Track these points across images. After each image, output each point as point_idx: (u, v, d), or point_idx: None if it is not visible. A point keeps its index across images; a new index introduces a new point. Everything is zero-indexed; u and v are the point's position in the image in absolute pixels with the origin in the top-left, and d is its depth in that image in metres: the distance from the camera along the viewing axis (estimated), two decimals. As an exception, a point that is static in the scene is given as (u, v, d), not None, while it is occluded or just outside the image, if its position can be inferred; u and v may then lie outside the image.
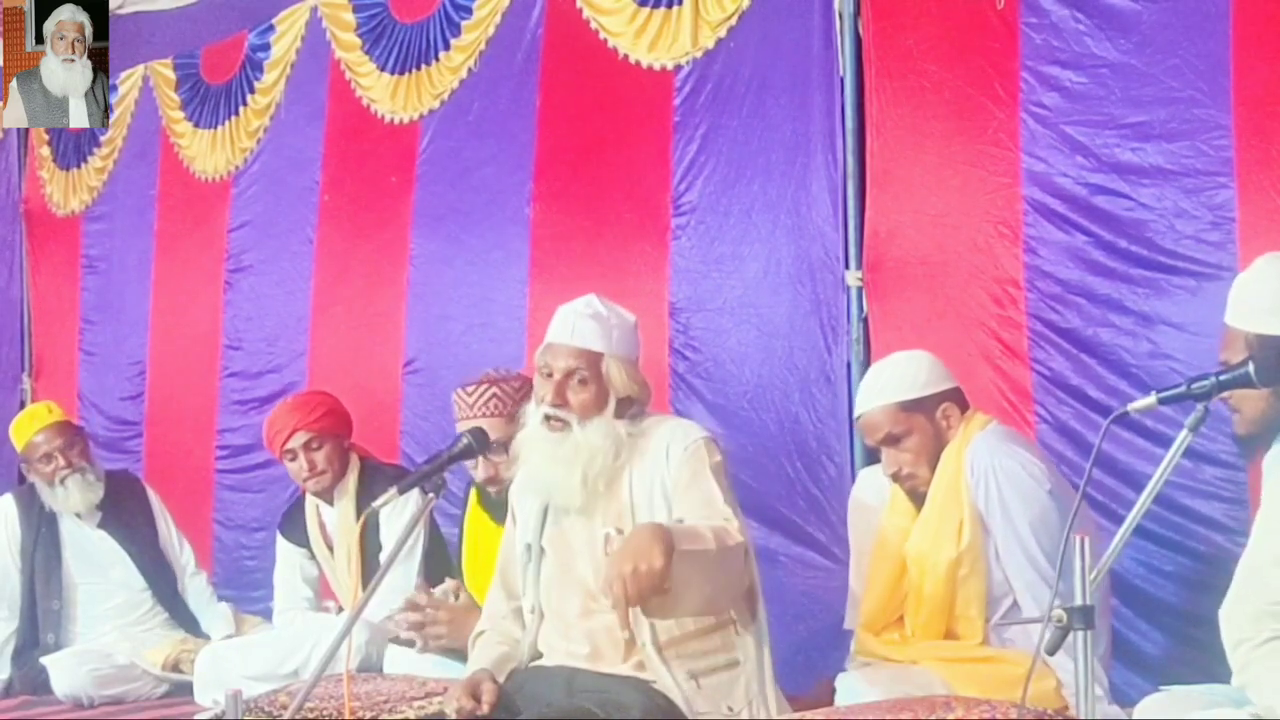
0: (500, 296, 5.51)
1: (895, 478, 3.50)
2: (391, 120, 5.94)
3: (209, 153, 6.70)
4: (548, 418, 3.24)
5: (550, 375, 3.25)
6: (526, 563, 3.34)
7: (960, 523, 3.38)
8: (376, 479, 4.52)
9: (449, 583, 3.91)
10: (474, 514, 4.11)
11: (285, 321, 6.41)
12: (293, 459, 4.59)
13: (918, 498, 3.49)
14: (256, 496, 6.41)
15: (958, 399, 3.52)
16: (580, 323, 3.29)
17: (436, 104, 5.79)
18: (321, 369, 6.21)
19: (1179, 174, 3.86)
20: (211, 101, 6.67)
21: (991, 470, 3.36)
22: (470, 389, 3.90)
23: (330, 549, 4.68)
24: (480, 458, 3.77)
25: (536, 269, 5.40)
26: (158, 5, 6.78)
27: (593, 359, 3.25)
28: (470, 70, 5.66)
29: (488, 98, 5.64)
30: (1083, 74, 4.06)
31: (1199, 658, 3.65)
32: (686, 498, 3.17)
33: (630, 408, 3.29)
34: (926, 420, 3.46)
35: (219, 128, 6.65)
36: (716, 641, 3.16)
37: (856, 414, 3.61)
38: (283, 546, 4.82)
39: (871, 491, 3.65)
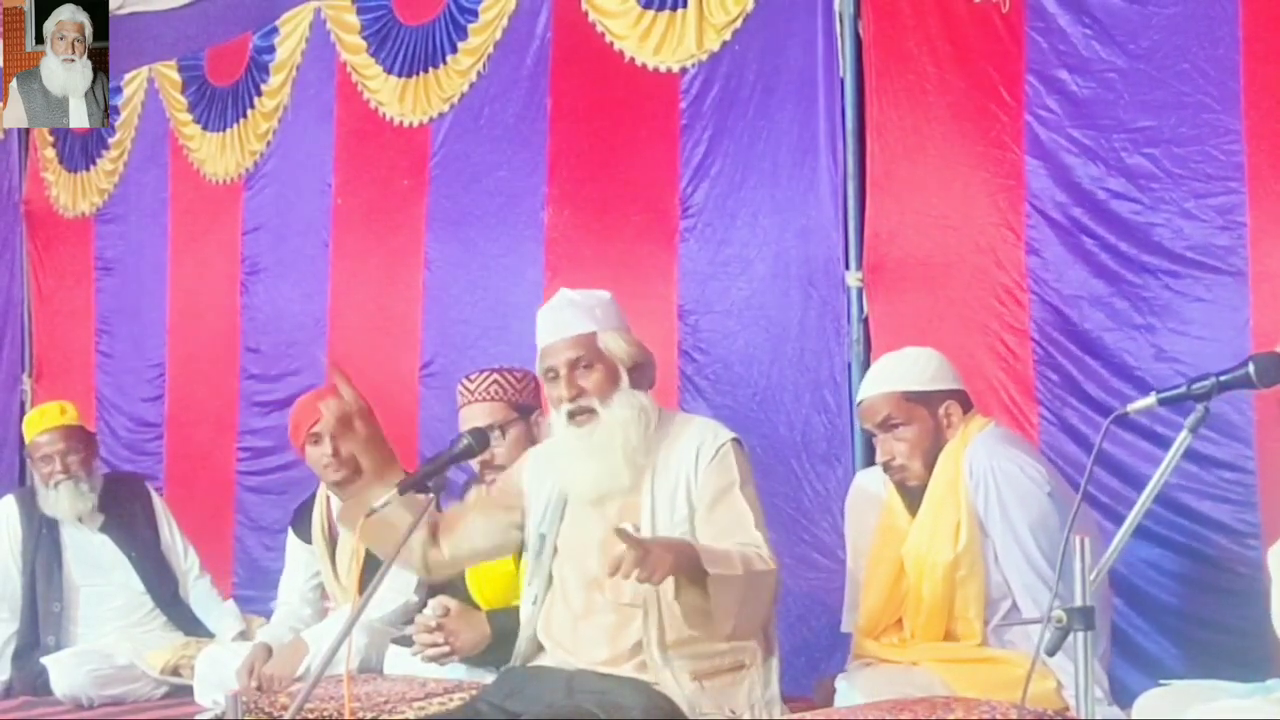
0: (516, 300, 5.48)
1: (887, 468, 3.50)
2: (401, 123, 5.92)
3: (219, 155, 6.69)
4: (571, 414, 3.22)
5: (556, 376, 3.25)
6: (538, 552, 3.33)
7: (957, 524, 3.37)
8: None
9: (435, 603, 3.85)
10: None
11: (303, 324, 6.40)
12: (316, 443, 4.39)
13: (909, 494, 3.49)
14: (278, 498, 6.37)
15: (962, 400, 3.52)
16: (561, 315, 3.30)
17: (446, 107, 5.77)
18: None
19: (1188, 178, 3.85)
20: (219, 104, 6.67)
21: (990, 473, 3.36)
22: (473, 376, 3.98)
23: (332, 543, 4.57)
24: None
25: (551, 272, 5.39)
26: (157, 5, 6.78)
27: (588, 341, 3.25)
28: (479, 74, 5.65)
29: (499, 101, 5.62)
30: (1090, 79, 4.05)
31: (1208, 661, 3.65)
32: (713, 515, 3.15)
33: (645, 377, 3.29)
34: (928, 414, 3.47)
35: (227, 131, 6.63)
36: (723, 645, 3.13)
37: (859, 399, 3.60)
38: (292, 543, 4.72)
39: (868, 492, 3.64)
